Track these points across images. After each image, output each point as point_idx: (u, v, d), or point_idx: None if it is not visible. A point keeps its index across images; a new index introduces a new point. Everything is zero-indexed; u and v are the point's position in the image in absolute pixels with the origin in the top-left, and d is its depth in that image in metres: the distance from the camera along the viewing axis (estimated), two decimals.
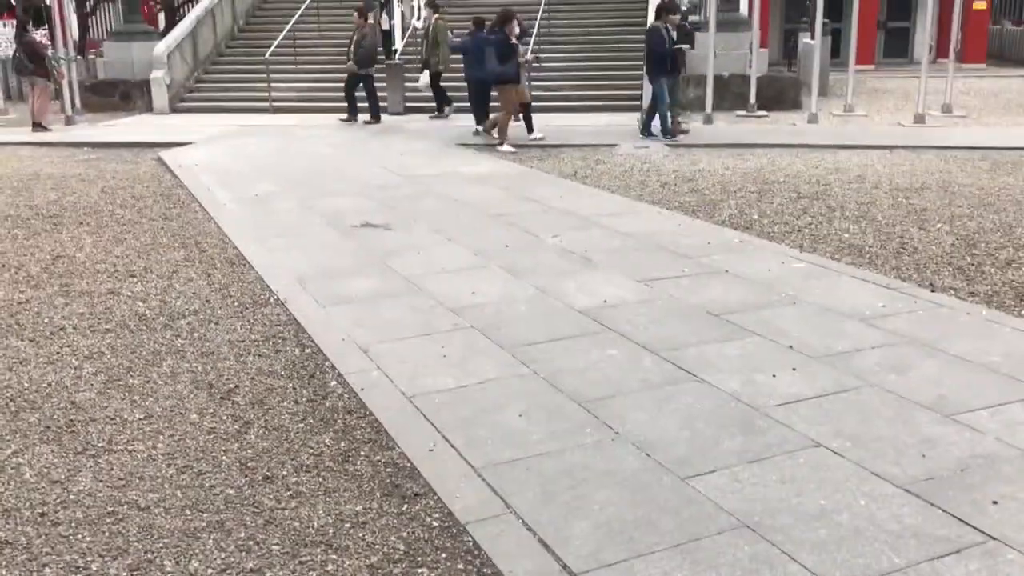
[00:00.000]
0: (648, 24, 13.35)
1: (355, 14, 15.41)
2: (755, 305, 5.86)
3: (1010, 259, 6.87)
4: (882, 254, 7.06)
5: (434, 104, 15.74)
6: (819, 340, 5.22)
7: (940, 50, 22.59)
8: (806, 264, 6.80)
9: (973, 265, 6.73)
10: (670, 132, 12.89)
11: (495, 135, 12.93)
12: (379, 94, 15.41)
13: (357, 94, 15.28)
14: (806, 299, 5.96)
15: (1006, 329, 5.38)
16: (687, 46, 14.23)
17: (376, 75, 15.43)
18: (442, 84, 15.55)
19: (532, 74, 16.26)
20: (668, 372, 4.83)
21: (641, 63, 16.55)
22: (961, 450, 3.93)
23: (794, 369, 4.81)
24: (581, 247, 7.34)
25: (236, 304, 6.19)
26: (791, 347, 5.12)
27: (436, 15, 15.29)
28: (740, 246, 7.34)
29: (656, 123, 13.10)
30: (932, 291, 6.14)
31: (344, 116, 15.33)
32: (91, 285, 6.66)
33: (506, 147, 12.46)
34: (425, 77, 15.42)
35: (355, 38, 15.14)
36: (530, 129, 13.17)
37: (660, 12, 13.26)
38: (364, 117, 15.26)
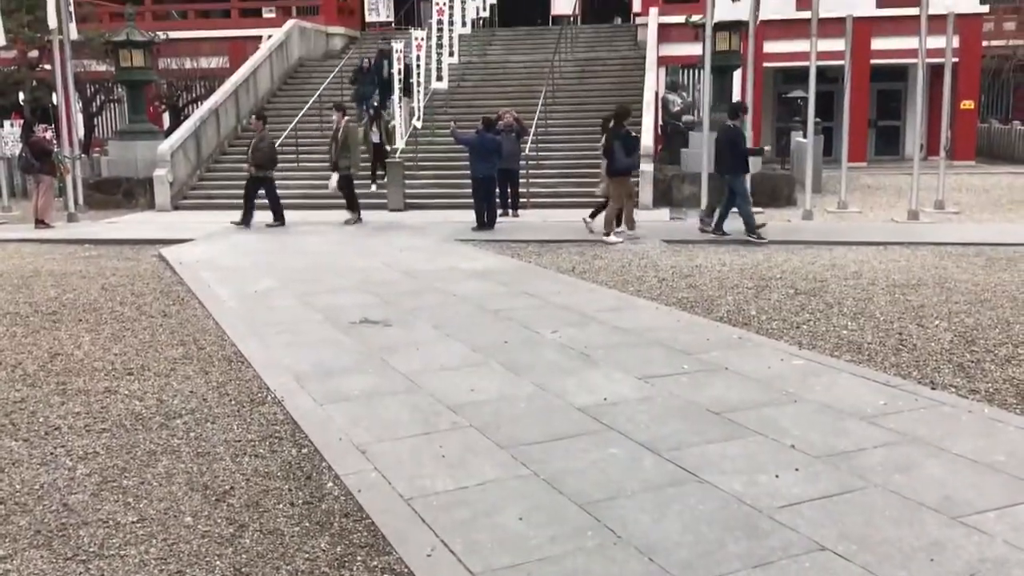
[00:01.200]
0: (727, 124, 13.14)
1: (252, 117, 15.40)
2: (756, 403, 5.82)
3: (1009, 356, 6.86)
4: (881, 351, 7.05)
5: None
6: (821, 439, 5.17)
7: (931, 148, 23.07)
8: (805, 361, 6.79)
9: (973, 362, 6.72)
10: (754, 229, 12.63)
11: (601, 228, 13.14)
12: (381, 191, 15.61)
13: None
14: (807, 397, 5.93)
15: (1009, 428, 5.34)
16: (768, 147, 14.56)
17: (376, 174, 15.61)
18: (356, 186, 15.46)
19: (531, 171, 16.56)
20: (670, 473, 4.77)
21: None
22: (970, 554, 3.85)
23: (797, 469, 4.76)
24: (580, 343, 7.34)
25: (233, 403, 6.15)
26: (793, 446, 5.07)
27: (346, 118, 15.31)
28: (739, 343, 7.34)
29: (714, 218, 13.12)
30: (933, 389, 6.11)
31: (237, 220, 14.89)
32: (88, 383, 6.62)
33: (612, 238, 12.74)
34: (334, 180, 15.13)
35: (253, 141, 15.12)
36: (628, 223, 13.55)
37: (736, 112, 13.36)
38: (268, 219, 14.96)
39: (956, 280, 9.70)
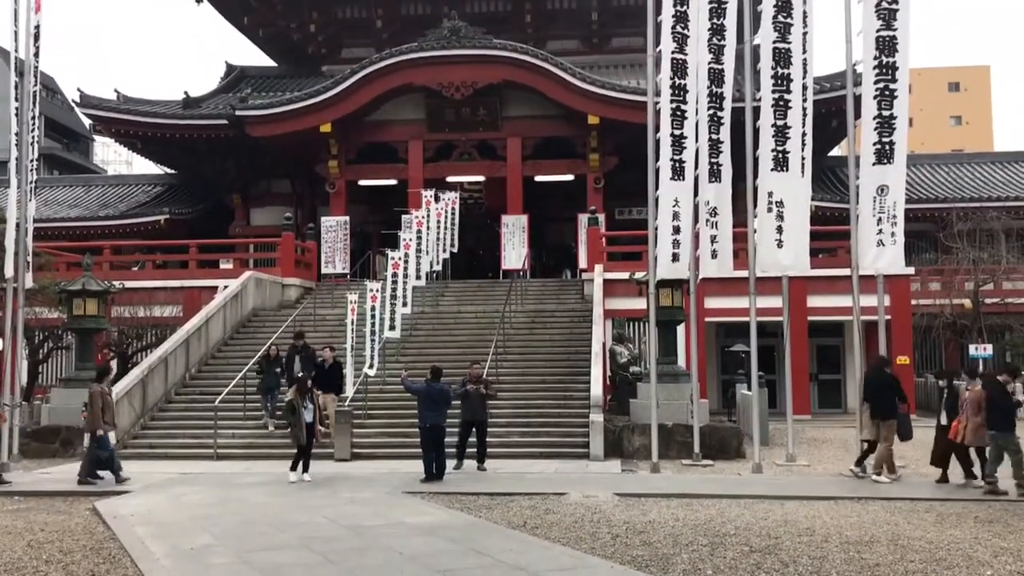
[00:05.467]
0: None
1: None
2: None
3: None
4: None
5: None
6: None
7: None
8: None
9: None
10: (996, 487, 12.33)
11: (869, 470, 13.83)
12: (326, 440, 15.29)
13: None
14: None
15: None
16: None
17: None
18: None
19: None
20: None
21: (586, 412, 16.95)
22: None
23: None
24: None
25: None
26: None
27: None
28: None
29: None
30: None
31: None
32: None
33: (884, 477, 13.49)
34: None
35: None
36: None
37: (1016, 374, 13.41)
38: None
39: (909, 537, 9.62)
